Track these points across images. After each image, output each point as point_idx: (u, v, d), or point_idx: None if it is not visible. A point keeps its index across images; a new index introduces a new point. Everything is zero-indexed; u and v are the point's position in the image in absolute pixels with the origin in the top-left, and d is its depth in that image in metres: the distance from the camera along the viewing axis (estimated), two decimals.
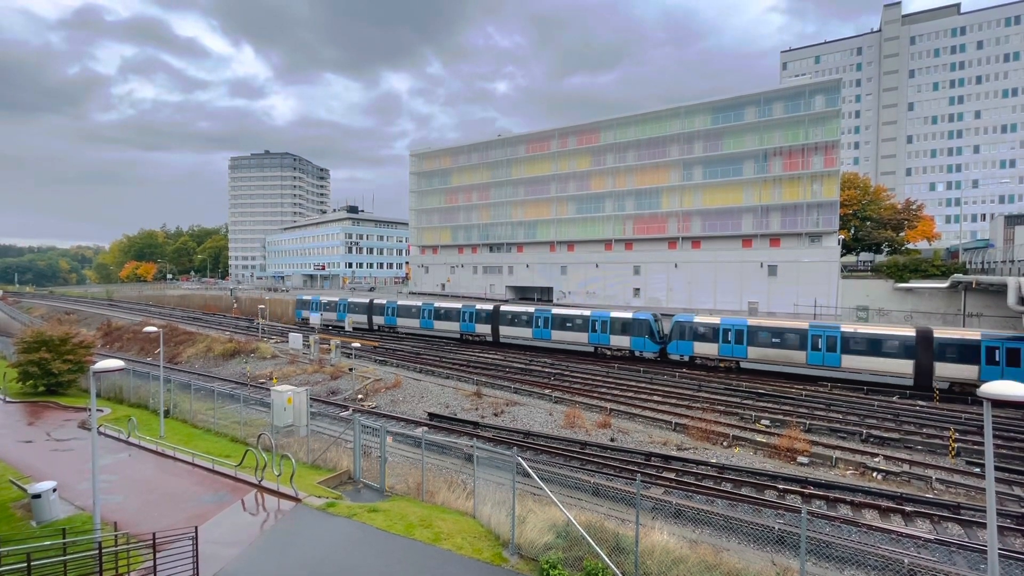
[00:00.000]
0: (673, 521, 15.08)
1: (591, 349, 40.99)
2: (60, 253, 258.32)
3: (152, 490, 14.68)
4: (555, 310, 43.63)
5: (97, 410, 11.52)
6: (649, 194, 60.34)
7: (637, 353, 38.59)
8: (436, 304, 50.65)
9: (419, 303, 51.89)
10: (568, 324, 41.85)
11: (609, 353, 39.97)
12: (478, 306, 47.92)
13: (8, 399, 27.87)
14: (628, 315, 39.54)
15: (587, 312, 41.70)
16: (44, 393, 28.90)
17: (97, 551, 9.61)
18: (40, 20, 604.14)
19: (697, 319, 36.74)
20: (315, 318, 56.92)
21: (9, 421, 23.79)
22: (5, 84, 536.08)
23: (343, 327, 56.24)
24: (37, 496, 12.61)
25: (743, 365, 34.86)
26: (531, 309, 44.47)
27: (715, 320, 36.25)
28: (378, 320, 54.55)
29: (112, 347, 55.79)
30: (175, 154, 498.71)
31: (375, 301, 55.15)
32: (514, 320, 44.94)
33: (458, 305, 49.17)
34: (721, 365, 35.49)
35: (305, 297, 62.71)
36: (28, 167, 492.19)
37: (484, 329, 46.67)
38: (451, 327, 48.81)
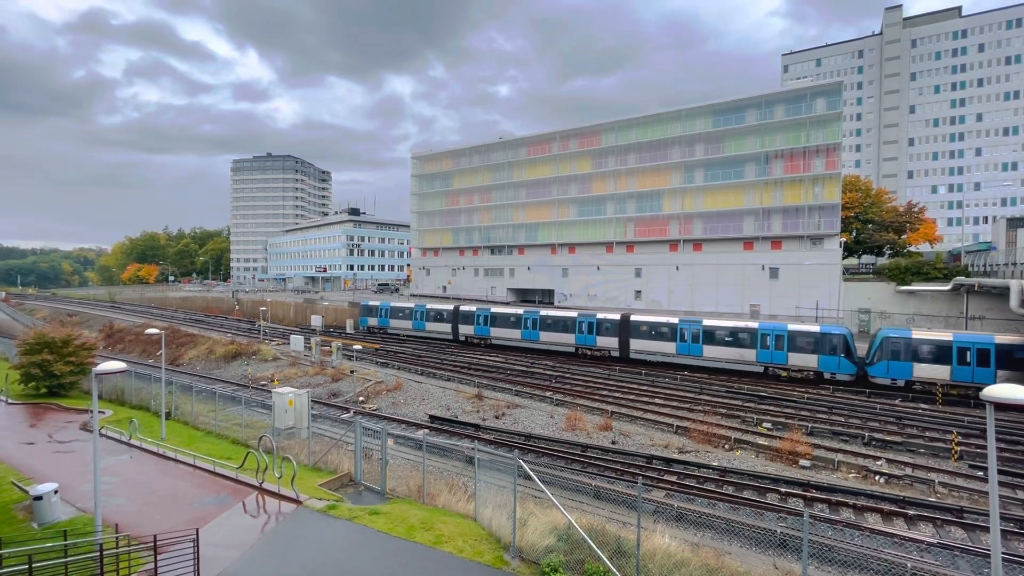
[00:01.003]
0: (675, 524, 15.03)
1: (760, 369, 34.01)
2: (63, 255, 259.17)
3: (153, 492, 14.68)
4: (708, 321, 36.11)
5: (99, 412, 11.53)
6: (650, 197, 60.36)
7: (827, 375, 32.05)
8: (543, 312, 43.43)
9: (519, 311, 44.84)
10: (729, 339, 34.87)
11: (786, 374, 33.39)
12: (600, 316, 40.11)
13: (10, 401, 27.91)
14: (814, 328, 32.97)
15: (753, 324, 34.89)
16: (46, 395, 28.95)
17: (98, 553, 9.61)
18: (46, 24, 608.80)
19: (917, 334, 30.05)
20: (383, 326, 54.08)
21: (11, 423, 23.83)
22: (11, 87, 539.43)
23: (419, 336, 51.57)
24: (39, 498, 12.62)
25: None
26: (673, 320, 36.78)
27: (946, 336, 29.38)
28: (466, 330, 47.89)
29: (114, 349, 55.89)
30: (179, 157, 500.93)
31: (462, 308, 48.74)
32: (653, 333, 37.00)
33: (572, 314, 41.89)
34: (954, 392, 28.57)
35: (372, 303, 56.64)
36: (33, 169, 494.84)
37: (608, 343, 39.26)
38: (564, 340, 41.70)
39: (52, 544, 10.41)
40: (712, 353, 35.14)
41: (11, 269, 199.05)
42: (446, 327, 48.98)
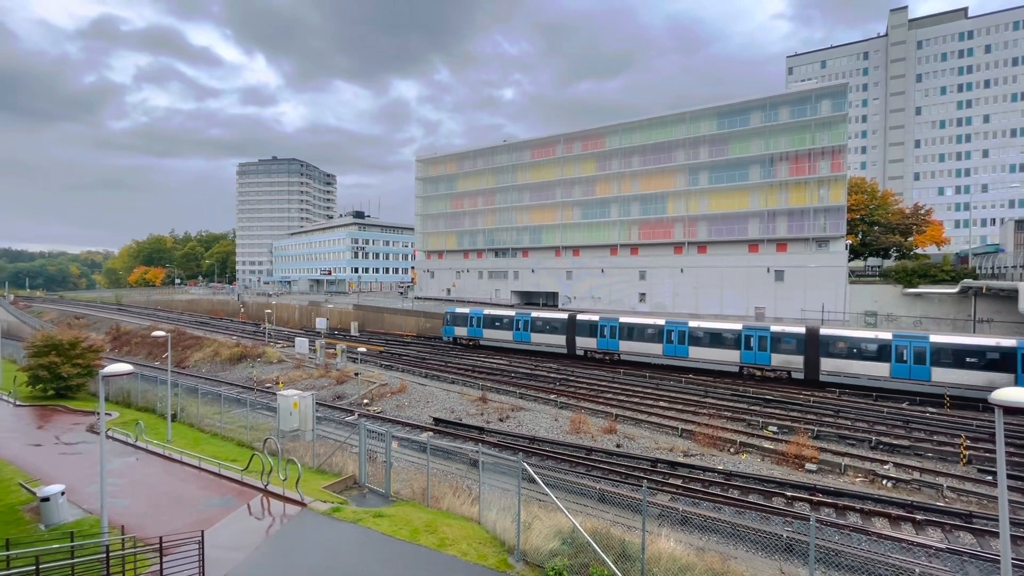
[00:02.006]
0: (680, 528, 14.95)
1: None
2: (70, 258, 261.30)
3: (159, 494, 14.74)
4: (936, 337, 29.17)
5: (105, 414, 11.61)
6: (655, 199, 60.28)
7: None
8: (693, 325, 36.32)
9: (658, 322, 37.86)
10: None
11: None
12: (776, 328, 33.47)
13: (18, 403, 28.13)
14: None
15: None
16: (53, 397, 29.15)
17: (104, 555, 9.66)
18: (58, 31, 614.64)
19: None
20: (475, 337, 47.66)
21: (19, 425, 24.01)
22: (23, 93, 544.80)
23: (522, 350, 44.77)
24: (46, 499, 12.70)
25: None
26: (886, 336, 29.95)
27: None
28: (585, 342, 40.85)
29: (121, 351, 56.25)
30: (186, 161, 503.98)
31: (580, 318, 41.52)
32: (857, 351, 30.38)
33: (732, 326, 35.03)
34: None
35: (461, 311, 49.90)
36: (43, 174, 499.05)
37: (790, 361, 32.58)
38: (720, 357, 34.90)
39: (59, 545, 10.47)
40: (950, 378, 28.72)
41: (19, 272, 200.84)
42: (558, 339, 42.25)
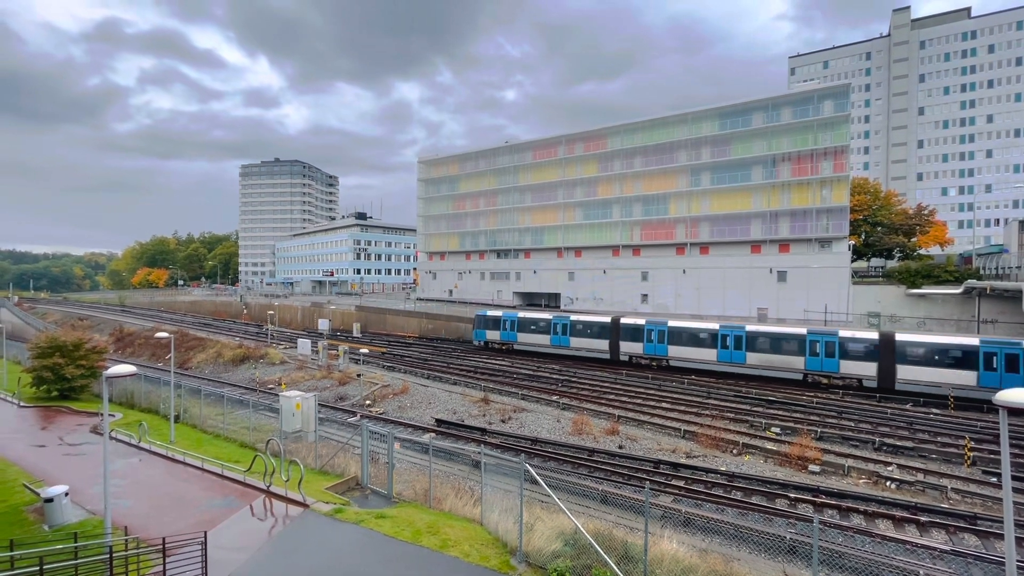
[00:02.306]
0: (683, 530, 14.91)
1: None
2: (74, 260, 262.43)
3: (162, 495, 14.78)
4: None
5: (109, 415, 11.65)
6: (657, 200, 60.24)
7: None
8: (752, 329, 34.13)
9: (711, 326, 35.86)
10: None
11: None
12: (845, 334, 31.39)
13: (22, 404, 28.24)
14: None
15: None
16: (57, 398, 29.26)
17: (108, 555, 9.68)
18: (62, 33, 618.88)
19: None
20: (508, 341, 45.64)
21: (23, 426, 24.10)
22: (28, 95, 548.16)
23: (560, 355, 42.52)
24: (49, 500, 12.74)
25: None
26: (972, 342, 28.47)
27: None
28: (630, 347, 38.51)
29: (124, 352, 56.44)
30: (189, 162, 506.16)
31: (624, 321, 39.30)
32: (939, 358, 28.66)
33: (796, 331, 32.85)
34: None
35: (492, 313, 47.56)
36: (47, 175, 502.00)
37: (862, 368, 30.29)
38: (780, 363, 32.85)
39: (63, 546, 10.50)
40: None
41: (24, 273, 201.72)
42: (600, 344, 39.98)
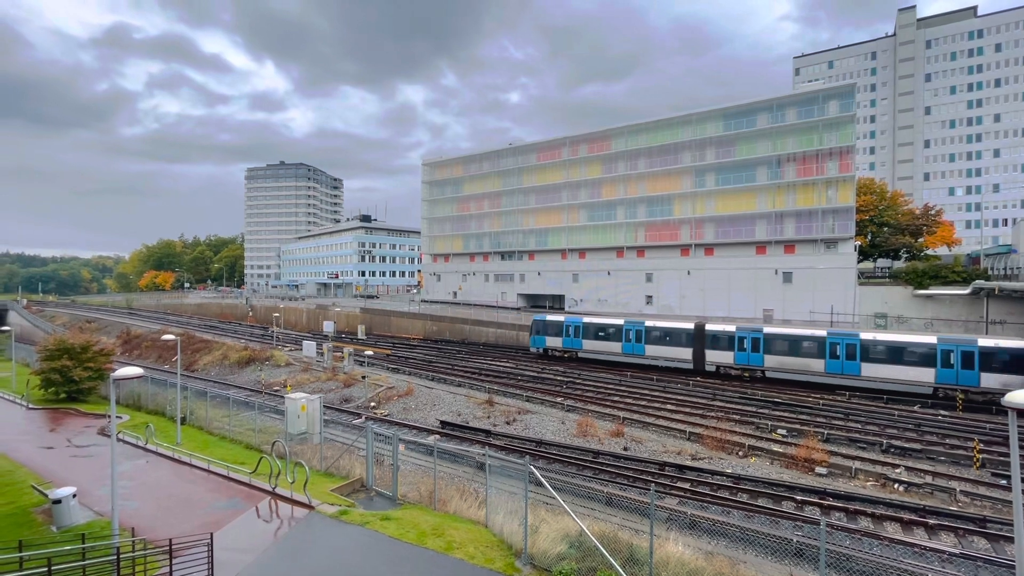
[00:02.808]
0: (688, 532, 14.85)
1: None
2: (82, 263, 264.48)
3: (168, 496, 14.86)
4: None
5: (116, 417, 11.74)
6: (661, 201, 60.12)
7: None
8: (867, 337, 30.52)
9: (819, 332, 32.10)
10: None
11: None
12: (987, 343, 27.67)
13: (31, 406, 28.48)
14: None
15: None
16: (65, 400, 29.49)
17: (115, 557, 9.74)
18: (72, 39, 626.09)
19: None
20: (571, 349, 41.79)
21: (32, 427, 24.31)
22: (38, 101, 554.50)
23: (632, 364, 38.98)
24: (57, 501, 12.84)
25: None
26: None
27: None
28: (718, 356, 35.17)
29: (131, 355, 56.81)
30: (195, 166, 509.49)
31: (711, 328, 35.88)
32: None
33: (923, 339, 29.22)
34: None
35: (552, 318, 43.67)
36: (56, 180, 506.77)
37: (1008, 382, 26.31)
38: (903, 375, 29.29)
39: (70, 547, 10.58)
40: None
41: (32, 276, 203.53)
42: (681, 352, 36.79)
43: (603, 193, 64.48)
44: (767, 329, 33.99)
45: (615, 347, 39.70)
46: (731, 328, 35.26)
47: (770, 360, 33.38)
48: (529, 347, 45.60)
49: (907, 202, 61.79)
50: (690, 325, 37.03)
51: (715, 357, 35.37)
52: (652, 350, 38.12)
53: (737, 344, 34.45)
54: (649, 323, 38.64)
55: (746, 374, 34.63)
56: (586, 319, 41.70)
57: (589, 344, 40.99)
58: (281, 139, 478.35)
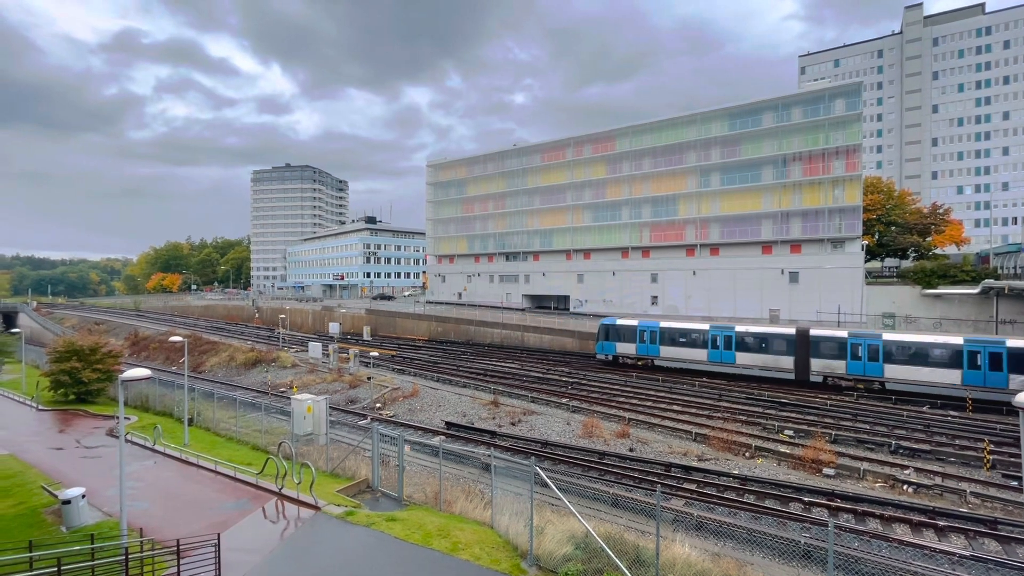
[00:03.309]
0: (695, 534, 14.78)
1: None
2: (91, 265, 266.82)
3: (176, 497, 14.95)
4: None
5: (124, 418, 11.83)
6: (666, 201, 59.97)
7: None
8: (1013, 344, 26.87)
9: (954, 340, 28.42)
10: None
11: None
12: None
13: (41, 407, 28.77)
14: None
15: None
16: (74, 401, 29.77)
17: (123, 557, 9.81)
18: (81, 45, 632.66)
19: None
20: (647, 356, 38.32)
21: (41, 428, 24.54)
22: (48, 105, 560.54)
23: (720, 373, 35.67)
24: (67, 502, 12.96)
25: None
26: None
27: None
28: (826, 366, 31.62)
29: (139, 356, 57.24)
30: (203, 169, 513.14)
31: (817, 333, 32.38)
32: None
33: None
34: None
35: (623, 322, 40.23)
36: (65, 183, 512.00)
37: None
38: None
39: (80, 547, 10.67)
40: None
41: (42, 279, 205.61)
42: (780, 361, 33.12)
43: (607, 193, 64.39)
44: (888, 336, 30.30)
45: (698, 354, 36.28)
46: (842, 334, 31.88)
47: (891, 370, 29.68)
48: (595, 354, 41.92)
49: (915, 201, 61.32)
50: (790, 330, 33.53)
51: (823, 366, 31.82)
52: (745, 358, 34.50)
53: (850, 352, 30.96)
54: (741, 328, 35.28)
55: (860, 385, 31.24)
56: (664, 323, 38.57)
57: (668, 351, 37.81)
58: (288, 142, 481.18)
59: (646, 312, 57.51)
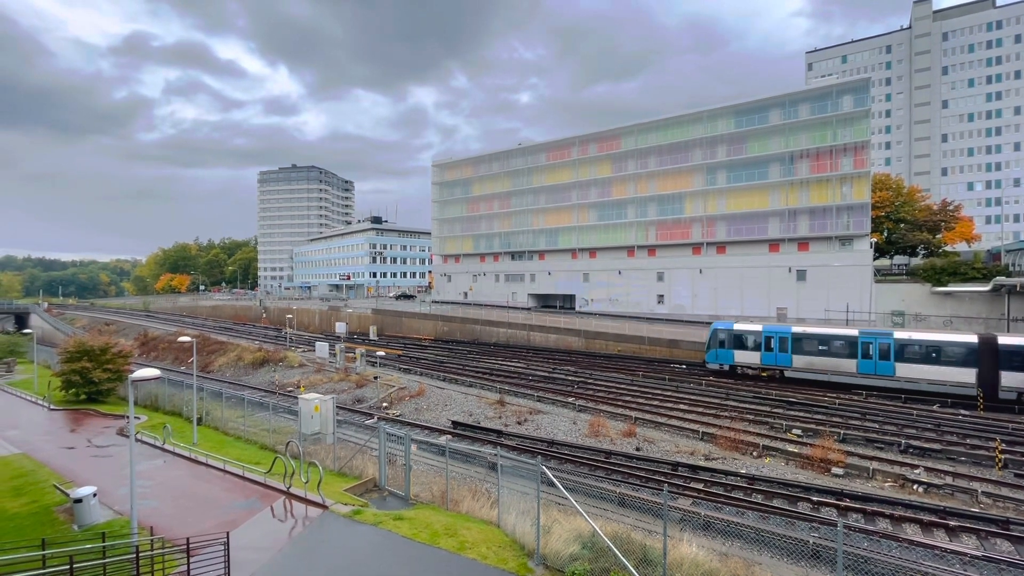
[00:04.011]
0: (702, 533, 14.72)
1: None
2: (100, 266, 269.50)
3: (185, 496, 15.08)
4: None
5: (134, 418, 11.94)
6: (672, 199, 59.71)
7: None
8: None
9: None
10: None
11: None
12: None
13: (52, 407, 29.09)
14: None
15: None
16: (85, 401, 30.08)
17: (134, 555, 9.91)
18: (91, 48, 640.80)
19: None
20: (775, 366, 33.59)
21: (53, 428, 24.82)
22: (59, 109, 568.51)
23: (866, 385, 30.49)
24: (78, 501, 13.10)
25: None
26: None
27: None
28: (1018, 381, 26.51)
29: (148, 356, 57.76)
30: (210, 170, 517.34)
31: (1005, 342, 27.08)
32: None
33: None
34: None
35: (742, 327, 35.14)
36: (75, 185, 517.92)
37: None
38: None
39: (91, 546, 10.79)
40: None
41: (53, 280, 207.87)
42: (959, 374, 27.84)
43: (613, 192, 64.20)
44: None
45: (845, 365, 31.40)
46: None
47: None
48: (706, 362, 36.81)
49: (924, 198, 60.69)
50: (971, 338, 28.18)
51: (1015, 381, 26.58)
52: (907, 370, 29.42)
53: None
54: (902, 334, 30.07)
55: None
56: (796, 328, 33.70)
57: (802, 360, 32.89)
58: (294, 143, 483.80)
59: (653, 311, 57.29)
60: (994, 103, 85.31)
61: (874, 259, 49.04)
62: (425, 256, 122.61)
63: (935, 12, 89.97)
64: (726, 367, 35.74)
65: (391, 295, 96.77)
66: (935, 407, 27.22)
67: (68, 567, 9.16)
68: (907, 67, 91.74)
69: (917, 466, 19.60)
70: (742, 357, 35.00)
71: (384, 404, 31.99)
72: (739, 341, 35.11)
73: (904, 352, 29.53)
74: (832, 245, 50.15)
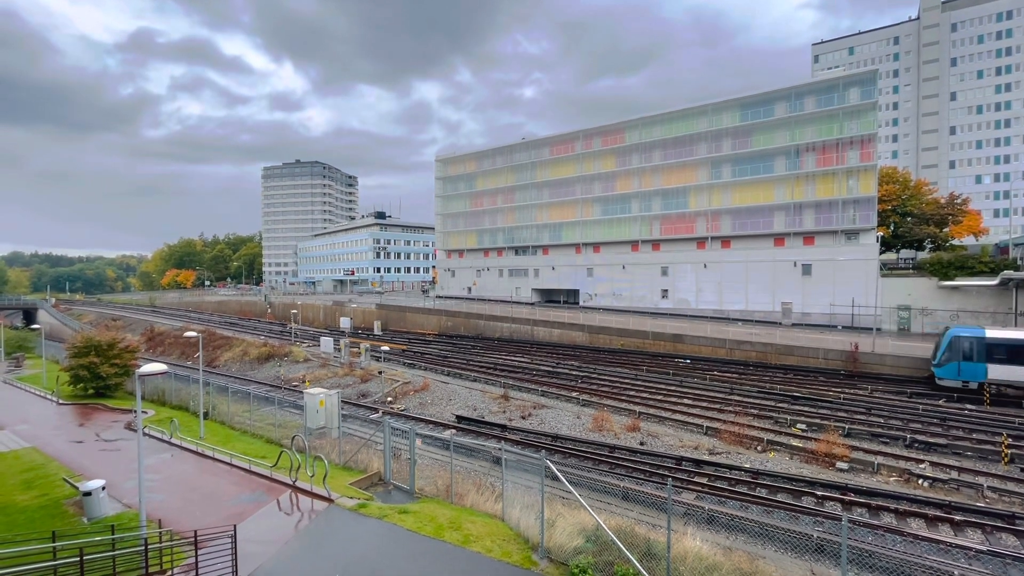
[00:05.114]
0: (706, 527, 14.75)
1: None
2: (107, 262, 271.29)
3: (193, 489, 15.23)
4: None
5: (142, 412, 12.06)
6: (676, 194, 59.42)
7: None
8: None
9: None
10: None
11: None
12: None
13: (61, 401, 29.39)
14: None
15: None
16: (93, 396, 30.35)
17: (143, 547, 10.04)
18: (98, 45, 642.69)
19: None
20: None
21: (62, 422, 25.08)
22: (67, 106, 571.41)
23: None
24: (88, 494, 13.27)
25: None
26: None
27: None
28: None
29: (155, 351, 58.18)
30: (216, 166, 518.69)
31: None
32: None
33: None
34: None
35: (998, 334, 27.71)
36: (82, 182, 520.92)
37: None
38: None
39: (101, 538, 10.93)
40: None
41: (60, 276, 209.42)
42: None
43: (617, 186, 63.92)
44: None
45: None
46: None
47: None
48: (936, 378, 28.95)
49: (931, 191, 60.08)
50: None
51: None
52: None
53: None
54: None
55: None
56: None
57: None
58: (299, 138, 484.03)
59: (657, 306, 57.16)
60: (1003, 95, 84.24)
61: (880, 253, 48.65)
62: (429, 251, 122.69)
63: (944, 2, 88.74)
64: (973, 384, 28.14)
65: (419, 289, 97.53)
66: (941, 402, 27.10)
67: (78, 559, 9.29)
68: (915, 59, 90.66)
69: (922, 460, 19.55)
70: (1000, 372, 27.49)
71: (388, 399, 32.13)
72: (996, 353, 27.59)
73: None
74: (838, 239, 49.81)
